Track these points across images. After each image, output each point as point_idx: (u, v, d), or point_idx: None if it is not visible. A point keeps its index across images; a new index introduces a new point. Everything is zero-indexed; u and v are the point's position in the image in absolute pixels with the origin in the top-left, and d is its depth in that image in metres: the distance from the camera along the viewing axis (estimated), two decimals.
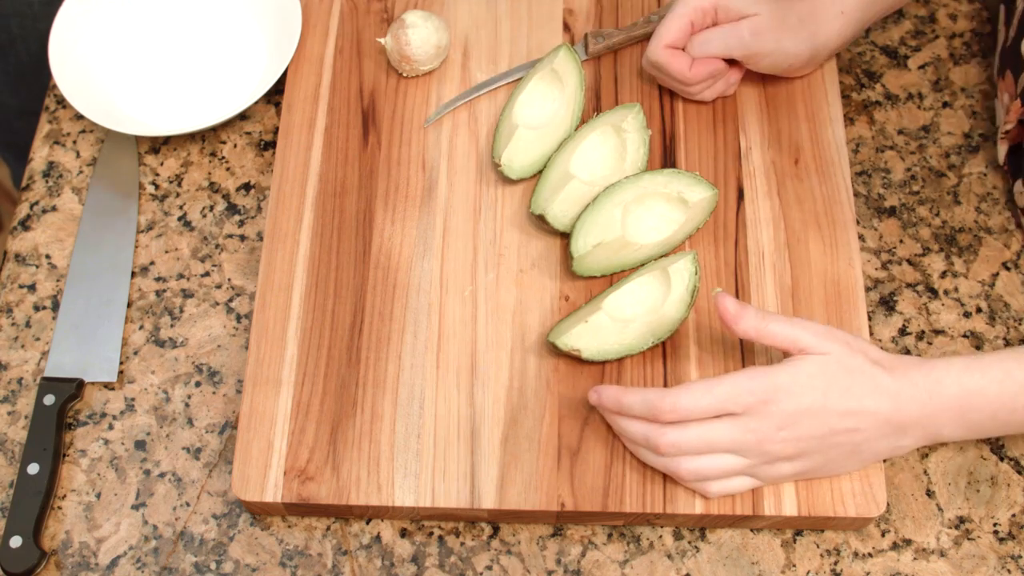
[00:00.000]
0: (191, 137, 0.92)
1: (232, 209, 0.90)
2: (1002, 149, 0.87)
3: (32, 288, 0.87)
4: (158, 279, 0.87)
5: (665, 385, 0.78)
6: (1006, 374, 0.70)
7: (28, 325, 0.85)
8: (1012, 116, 0.85)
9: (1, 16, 1.08)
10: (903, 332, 0.84)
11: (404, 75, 0.90)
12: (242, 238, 0.88)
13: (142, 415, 0.82)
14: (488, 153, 0.87)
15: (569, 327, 0.78)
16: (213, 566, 0.77)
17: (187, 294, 0.86)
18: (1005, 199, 0.89)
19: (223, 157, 0.92)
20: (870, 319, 0.84)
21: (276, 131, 0.93)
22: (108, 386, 0.83)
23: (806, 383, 0.70)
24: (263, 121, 0.93)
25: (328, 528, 0.78)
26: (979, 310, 0.85)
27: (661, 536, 0.78)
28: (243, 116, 0.93)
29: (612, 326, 0.78)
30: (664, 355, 0.80)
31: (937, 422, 0.72)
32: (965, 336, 0.84)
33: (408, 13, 0.89)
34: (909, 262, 0.87)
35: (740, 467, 0.72)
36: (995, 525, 0.78)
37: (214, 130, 0.93)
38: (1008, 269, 0.87)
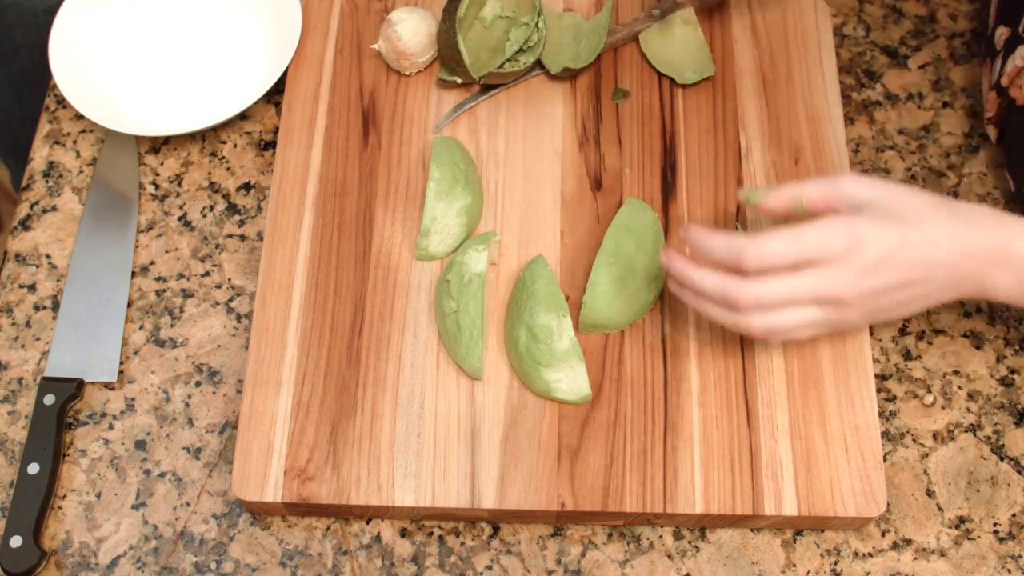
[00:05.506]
0: (191, 137, 0.92)
1: (232, 209, 0.90)
2: (992, 131, 0.88)
3: (32, 288, 0.87)
4: (158, 279, 0.87)
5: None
6: None
7: (28, 325, 0.85)
8: (991, 105, 0.87)
9: (5, 25, 1.09)
10: (903, 332, 0.84)
11: (407, 73, 0.90)
12: (242, 238, 0.88)
13: (142, 415, 0.82)
14: (488, 151, 0.87)
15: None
16: (213, 566, 0.77)
17: (187, 294, 0.86)
18: (1005, 199, 0.89)
19: (223, 157, 0.92)
20: None
21: (276, 131, 0.93)
22: (108, 386, 0.83)
23: (884, 228, 0.69)
24: (263, 121, 0.93)
25: (328, 528, 0.78)
26: (979, 310, 0.85)
27: (661, 536, 0.78)
28: (243, 116, 0.93)
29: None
30: (664, 356, 0.80)
31: (995, 275, 0.70)
32: (965, 336, 0.84)
33: (392, 12, 0.89)
34: None
35: (815, 319, 0.71)
36: (995, 525, 0.78)
37: (214, 130, 0.93)
38: None
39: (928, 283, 0.71)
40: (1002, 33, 0.86)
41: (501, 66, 0.88)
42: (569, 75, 0.90)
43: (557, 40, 0.91)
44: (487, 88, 0.90)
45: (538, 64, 0.90)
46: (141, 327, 0.85)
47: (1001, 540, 0.78)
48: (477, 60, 0.89)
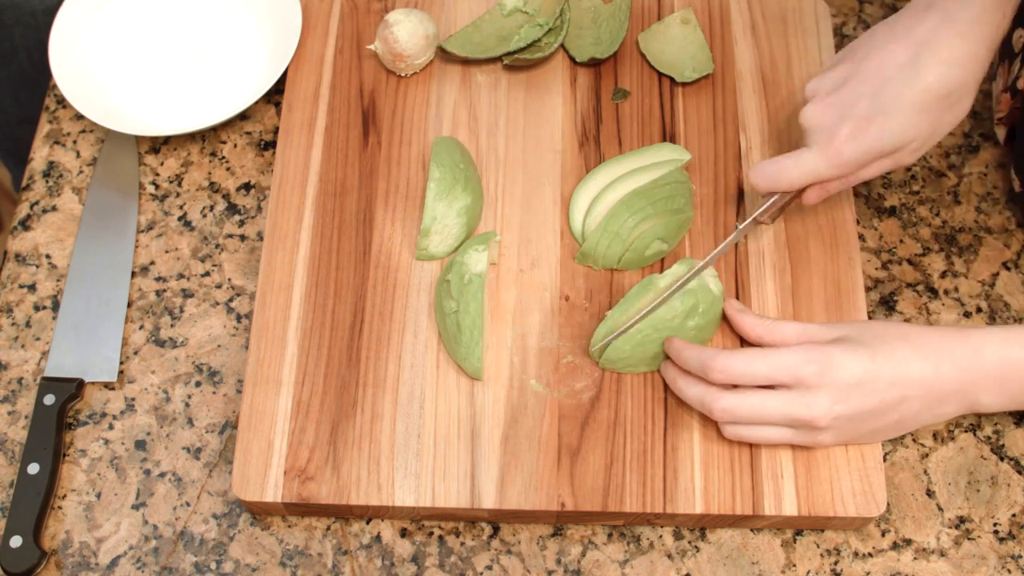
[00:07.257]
0: (191, 137, 0.92)
1: (232, 209, 0.90)
2: (1000, 131, 0.88)
3: (32, 288, 0.87)
4: (158, 279, 0.87)
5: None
6: None
7: (28, 325, 0.85)
8: (1003, 106, 0.87)
9: (4, 25, 1.09)
10: None
11: (403, 75, 0.90)
12: (242, 238, 0.88)
13: (142, 415, 0.82)
14: (488, 151, 0.87)
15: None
16: (213, 566, 0.77)
17: (187, 294, 0.86)
18: (1006, 199, 0.89)
19: (223, 157, 0.92)
20: (870, 319, 0.84)
21: (276, 131, 0.93)
22: (108, 386, 0.83)
23: (854, 353, 0.71)
24: (263, 121, 0.93)
25: (328, 528, 0.78)
26: (979, 310, 0.85)
27: (661, 536, 0.78)
28: (243, 116, 0.93)
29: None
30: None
31: (976, 390, 0.72)
32: None
33: (390, 13, 0.89)
34: (909, 262, 0.87)
35: (787, 437, 0.74)
36: (995, 525, 0.78)
37: (214, 130, 0.93)
38: (1008, 269, 0.87)
39: (907, 404, 0.72)
40: (1020, 36, 0.86)
41: (523, 51, 0.89)
42: (594, 63, 0.90)
43: (577, 24, 0.92)
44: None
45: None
46: (141, 327, 0.85)
47: (1001, 540, 0.78)
48: (484, 42, 0.90)
